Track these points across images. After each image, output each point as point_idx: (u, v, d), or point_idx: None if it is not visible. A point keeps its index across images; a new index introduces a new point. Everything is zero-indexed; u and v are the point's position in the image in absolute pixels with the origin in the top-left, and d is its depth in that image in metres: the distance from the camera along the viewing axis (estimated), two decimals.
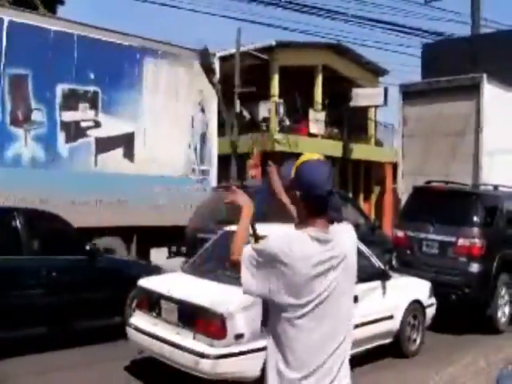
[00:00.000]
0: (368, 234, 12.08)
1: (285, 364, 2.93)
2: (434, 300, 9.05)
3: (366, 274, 7.81)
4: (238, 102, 24.27)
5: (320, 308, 2.92)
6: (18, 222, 8.14)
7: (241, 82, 24.38)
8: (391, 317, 8.18)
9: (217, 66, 14.80)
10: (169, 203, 12.93)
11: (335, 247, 2.96)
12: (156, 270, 9.44)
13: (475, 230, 10.16)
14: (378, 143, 33.25)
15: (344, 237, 3.06)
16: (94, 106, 11.98)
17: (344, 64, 30.36)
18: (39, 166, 11.10)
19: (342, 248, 2.99)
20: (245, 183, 15.25)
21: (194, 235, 11.66)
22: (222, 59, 27.61)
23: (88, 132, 11.90)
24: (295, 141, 24.48)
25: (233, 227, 8.37)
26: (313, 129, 27.37)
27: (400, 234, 11.10)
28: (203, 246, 8.46)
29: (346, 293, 3.01)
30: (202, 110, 14.14)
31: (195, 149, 13.87)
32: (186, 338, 6.41)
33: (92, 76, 11.95)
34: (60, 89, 11.47)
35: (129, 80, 12.66)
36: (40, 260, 8.25)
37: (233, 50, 25.16)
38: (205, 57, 14.40)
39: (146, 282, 7.43)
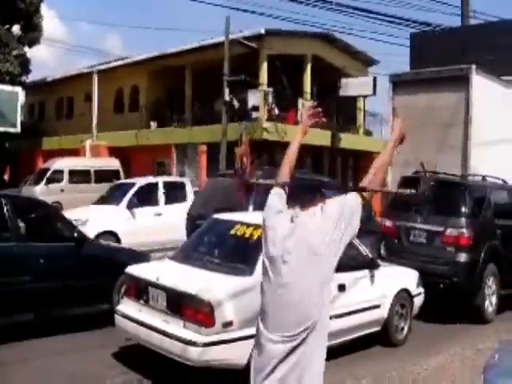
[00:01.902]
0: (363, 224, 12.07)
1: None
2: (421, 289, 9.08)
3: (354, 262, 7.84)
4: (227, 91, 24.21)
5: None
6: (5, 208, 8.08)
7: (230, 70, 24.33)
8: (379, 306, 8.20)
9: None
10: None
11: (296, 227, 3.51)
12: (144, 258, 9.41)
13: (463, 220, 10.19)
14: (367, 133, 33.31)
15: (311, 220, 3.53)
16: None
17: (333, 53, 30.37)
18: None
19: (303, 227, 3.50)
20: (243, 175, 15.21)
21: (193, 222, 11.69)
22: (211, 47, 27.70)
23: None
24: (284, 129, 24.47)
25: (224, 215, 8.39)
26: None
27: (388, 223, 11.12)
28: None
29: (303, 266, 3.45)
30: None
31: None
32: (173, 326, 6.40)
33: None
34: None
35: None
36: (28, 247, 8.21)
37: (222, 39, 25.08)
38: None
39: (134, 269, 7.40)
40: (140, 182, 16.86)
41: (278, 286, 3.46)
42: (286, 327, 3.41)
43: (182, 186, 17.22)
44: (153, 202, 16.22)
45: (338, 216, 3.48)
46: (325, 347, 3.51)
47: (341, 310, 7.22)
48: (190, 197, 16.48)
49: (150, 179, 17.68)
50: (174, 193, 16.79)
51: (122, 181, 19.96)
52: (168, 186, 16.88)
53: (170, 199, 16.52)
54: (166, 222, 15.44)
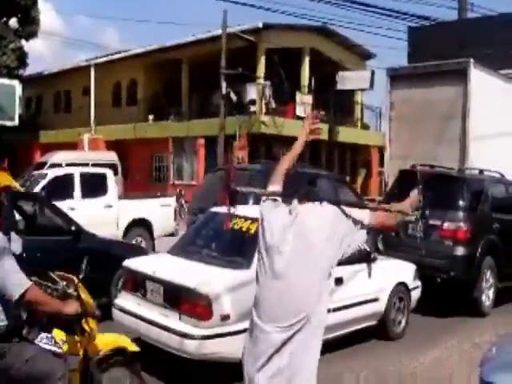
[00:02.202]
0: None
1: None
2: (419, 282, 9.08)
3: (352, 256, 7.81)
4: (224, 84, 24.18)
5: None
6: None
7: (227, 63, 24.28)
8: (376, 299, 8.20)
9: None
10: None
11: (296, 218, 3.55)
12: (142, 251, 9.40)
13: (461, 213, 10.19)
14: (365, 126, 33.28)
15: (309, 215, 3.57)
16: None
17: (331, 47, 30.33)
18: None
19: (302, 220, 3.54)
20: (242, 166, 15.23)
21: (194, 216, 11.70)
22: (209, 41, 27.64)
23: None
24: (282, 123, 24.45)
25: (222, 208, 8.36)
26: (299, 111, 27.32)
27: None
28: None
29: (302, 258, 3.49)
30: None
31: None
32: (171, 319, 6.40)
33: None
34: None
35: None
36: (25, 240, 8.18)
37: (219, 32, 25.03)
38: None
39: (131, 263, 7.40)
40: (52, 173, 15.17)
41: (272, 277, 3.49)
42: (279, 318, 3.43)
43: (102, 177, 15.29)
44: (67, 195, 14.22)
45: (335, 220, 3.57)
46: (320, 340, 3.52)
47: (338, 303, 7.21)
48: (112, 190, 15.17)
49: (65, 170, 16.37)
50: (93, 185, 14.95)
51: (34, 172, 17.93)
52: (86, 177, 14.98)
53: (87, 192, 14.67)
54: (80, 217, 13.95)
